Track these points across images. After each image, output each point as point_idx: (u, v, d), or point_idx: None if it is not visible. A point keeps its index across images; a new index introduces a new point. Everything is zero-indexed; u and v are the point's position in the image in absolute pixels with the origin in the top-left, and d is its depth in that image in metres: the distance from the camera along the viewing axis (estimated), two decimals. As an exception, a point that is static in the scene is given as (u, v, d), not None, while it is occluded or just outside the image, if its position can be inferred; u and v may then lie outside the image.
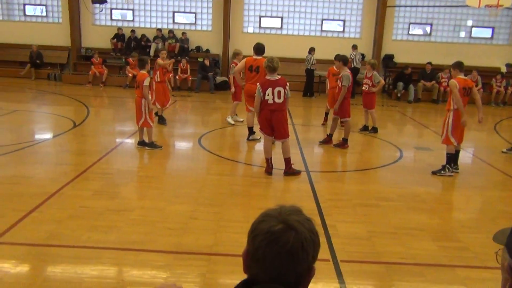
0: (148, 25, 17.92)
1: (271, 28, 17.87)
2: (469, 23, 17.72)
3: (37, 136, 8.74)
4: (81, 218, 4.74)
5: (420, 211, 5.48)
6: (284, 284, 1.18)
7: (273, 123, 6.37)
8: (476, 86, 14.26)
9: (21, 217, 4.66)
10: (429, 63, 15.88)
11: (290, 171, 6.55)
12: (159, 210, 5.08)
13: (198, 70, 15.69)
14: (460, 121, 6.72)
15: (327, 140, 8.71)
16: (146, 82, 7.41)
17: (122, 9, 17.92)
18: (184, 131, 9.86)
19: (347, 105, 8.49)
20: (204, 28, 17.93)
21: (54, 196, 5.31)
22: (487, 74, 16.18)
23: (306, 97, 15.60)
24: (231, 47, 16.96)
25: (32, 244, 4.14)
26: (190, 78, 15.83)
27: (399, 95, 15.77)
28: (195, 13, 17.86)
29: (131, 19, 17.98)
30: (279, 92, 6.23)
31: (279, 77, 6.33)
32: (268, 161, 6.59)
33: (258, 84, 6.39)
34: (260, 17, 17.81)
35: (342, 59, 8.49)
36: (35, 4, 17.95)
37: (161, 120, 9.81)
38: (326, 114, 10.70)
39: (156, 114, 9.75)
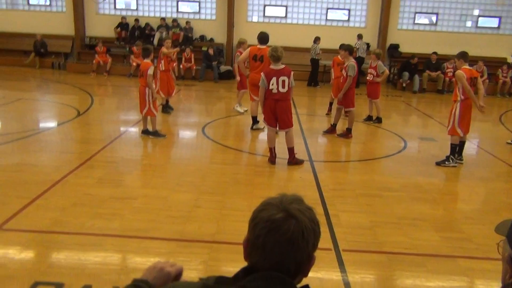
0: (152, 14, 17.83)
1: (275, 17, 17.74)
2: (476, 12, 17.53)
3: (42, 125, 8.77)
4: (84, 206, 4.77)
5: (423, 201, 5.48)
6: (284, 272, 1.19)
7: (277, 113, 6.36)
8: (482, 76, 14.20)
9: (26, 204, 4.70)
10: (435, 53, 15.75)
11: (293, 161, 6.55)
12: (163, 198, 5.10)
13: (202, 59, 15.65)
14: (469, 111, 6.72)
15: (331, 130, 8.69)
16: (150, 71, 7.40)
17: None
18: (188, 120, 9.87)
19: (351, 95, 8.46)
20: (208, 17, 17.84)
21: (58, 184, 5.35)
22: (493, 64, 16.04)
23: (311, 87, 15.54)
24: (235, 36, 16.87)
25: (36, 231, 4.18)
26: (194, 67, 15.79)
27: (404, 85, 15.68)
28: (199, 1, 17.76)
29: (135, 8, 17.88)
30: (283, 81, 6.21)
31: (283, 66, 6.30)
32: (272, 150, 6.59)
33: (262, 73, 6.37)
34: (265, 6, 17.68)
35: (348, 49, 8.45)
36: (39, -7, 17.91)
37: (165, 109, 9.82)
38: (330, 104, 10.67)
39: (167, 103, 9.80)
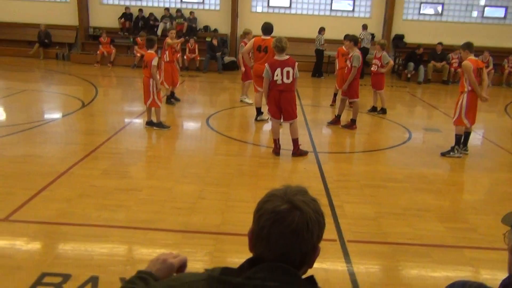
0: (156, 4, 17.77)
1: (279, 8, 17.64)
2: (482, 2, 17.34)
3: (46, 116, 8.79)
4: (90, 197, 4.80)
5: (428, 192, 5.47)
6: (289, 263, 1.20)
7: (282, 104, 6.35)
8: (488, 67, 14.10)
9: (32, 195, 4.73)
10: (440, 43, 15.63)
11: (298, 152, 6.55)
12: (167, 189, 5.12)
13: (206, 50, 15.61)
14: (476, 102, 6.69)
15: (335, 121, 8.68)
16: (155, 62, 7.39)
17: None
18: (192, 111, 9.87)
19: (356, 86, 8.43)
20: (212, 7, 17.75)
21: (63, 175, 5.37)
22: (499, 54, 15.92)
23: (315, 78, 15.49)
24: (239, 27, 16.81)
25: (42, 222, 4.21)
26: (198, 58, 15.76)
27: (409, 75, 15.60)
28: (203, -8, 17.68)
29: (139, -3, 17.85)
30: (288, 72, 6.19)
31: (287, 57, 6.28)
32: (276, 141, 6.59)
33: (266, 64, 6.34)
34: (269, -4, 17.59)
35: (352, 39, 8.40)
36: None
37: (170, 101, 9.83)
38: (335, 95, 10.64)
39: (172, 94, 9.83)
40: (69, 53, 16.91)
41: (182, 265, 1.55)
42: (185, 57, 15.36)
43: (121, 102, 10.81)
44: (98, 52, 15.85)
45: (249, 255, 1.26)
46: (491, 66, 14.87)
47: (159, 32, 16.36)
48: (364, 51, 13.68)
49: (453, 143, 6.96)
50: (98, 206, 4.57)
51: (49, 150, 6.48)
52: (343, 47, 9.56)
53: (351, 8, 17.58)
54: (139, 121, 8.31)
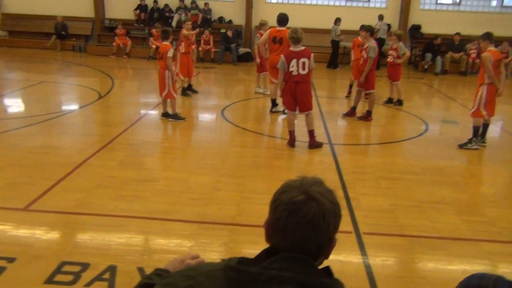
0: (170, -5, 17.79)
1: (295, -2, 17.51)
2: (502, -9, 17.00)
3: (64, 107, 8.90)
4: (107, 188, 4.86)
5: (445, 185, 5.42)
6: (305, 254, 1.20)
7: (297, 95, 6.32)
8: (507, 57, 13.83)
9: (51, 186, 4.81)
10: (458, 33, 15.36)
11: (315, 144, 6.53)
12: (183, 180, 5.16)
13: (221, 41, 15.59)
14: (495, 94, 6.59)
15: (351, 113, 8.62)
16: (170, 53, 7.41)
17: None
18: (207, 103, 9.89)
19: (372, 77, 8.35)
20: (227, -2, 17.71)
21: (81, 166, 5.45)
22: (519, 45, 15.58)
23: (330, 69, 15.38)
24: (254, 18, 16.74)
25: (61, 212, 4.28)
26: (213, 50, 15.75)
27: (426, 66, 15.39)
28: (218, -18, 17.61)
29: (154, -11, 17.84)
30: (303, 63, 6.16)
31: (303, 48, 6.24)
32: (291, 133, 6.58)
33: (282, 55, 6.31)
34: (284, -14, 17.45)
35: (368, 30, 8.31)
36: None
37: (185, 92, 9.86)
38: (350, 86, 10.57)
39: (190, 86, 9.87)
40: (86, 45, 17.05)
41: None
42: (200, 48, 15.36)
43: (137, 94, 10.88)
44: (114, 43, 15.95)
45: (264, 246, 1.27)
46: (510, 57, 14.58)
47: (174, 23, 16.38)
48: (380, 42, 13.52)
49: (470, 135, 6.87)
50: (115, 196, 4.63)
51: (66, 141, 6.57)
52: (359, 37, 9.46)
53: (367, -2, 17.38)
54: (154, 113, 8.36)
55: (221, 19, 17.53)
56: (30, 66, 13.84)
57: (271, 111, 8.69)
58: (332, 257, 1.29)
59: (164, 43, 7.61)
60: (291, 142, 6.57)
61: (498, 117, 8.99)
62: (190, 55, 9.86)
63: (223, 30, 16.16)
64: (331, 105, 10.11)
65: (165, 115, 7.81)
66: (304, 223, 1.19)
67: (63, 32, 16.90)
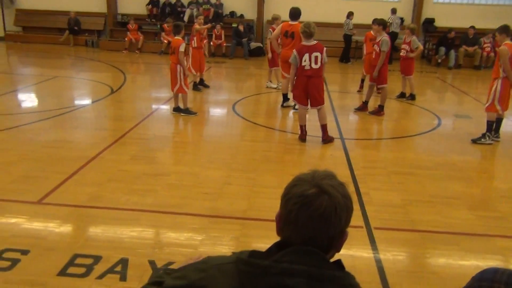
0: (182, -10, 17.79)
1: (307, -8, 17.39)
2: (517, -17, 16.72)
3: (77, 102, 8.98)
4: (120, 182, 4.90)
5: (457, 179, 5.37)
6: (317, 247, 1.20)
7: (309, 90, 6.30)
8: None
9: (64, 179, 4.86)
10: (472, 27, 15.15)
11: (328, 139, 6.51)
12: (194, 175, 5.18)
13: (232, 36, 15.57)
14: (510, 88, 6.50)
15: (363, 107, 8.57)
16: (182, 48, 7.42)
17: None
18: (218, 97, 9.91)
19: (384, 71, 8.28)
20: (239, -8, 17.66)
21: (94, 160, 5.49)
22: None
23: (342, 63, 15.29)
24: (266, 12, 16.68)
25: (74, 205, 4.33)
26: (225, 44, 15.75)
27: (439, 60, 15.22)
28: (229, -23, 17.56)
29: (166, -16, 17.86)
30: (316, 57, 6.13)
31: (315, 42, 6.21)
32: (302, 128, 6.56)
33: (294, 50, 6.29)
34: (296, -20, 17.33)
35: (381, 23, 8.24)
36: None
37: (196, 87, 9.88)
38: (362, 80, 10.50)
39: (201, 81, 9.89)
40: (98, 40, 17.16)
41: None
42: (211, 43, 15.36)
43: (149, 89, 10.93)
44: (126, 38, 16.03)
45: (275, 240, 1.27)
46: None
47: (185, 18, 16.38)
48: (393, 36, 13.41)
49: (484, 130, 6.79)
50: (127, 190, 4.66)
51: (79, 135, 6.63)
52: (371, 31, 9.38)
53: (380, -8, 17.20)
54: (166, 107, 8.39)
55: (232, 13, 17.50)
56: (44, 61, 13.97)
57: (282, 106, 8.67)
58: (343, 251, 1.28)
59: (176, 37, 7.62)
60: (302, 137, 6.55)
61: (513, 111, 8.87)
62: (202, 49, 9.87)
63: (234, 25, 16.14)
64: (343, 100, 10.06)
65: (176, 109, 7.84)
66: (315, 216, 1.19)
67: (76, 28, 17.01)
